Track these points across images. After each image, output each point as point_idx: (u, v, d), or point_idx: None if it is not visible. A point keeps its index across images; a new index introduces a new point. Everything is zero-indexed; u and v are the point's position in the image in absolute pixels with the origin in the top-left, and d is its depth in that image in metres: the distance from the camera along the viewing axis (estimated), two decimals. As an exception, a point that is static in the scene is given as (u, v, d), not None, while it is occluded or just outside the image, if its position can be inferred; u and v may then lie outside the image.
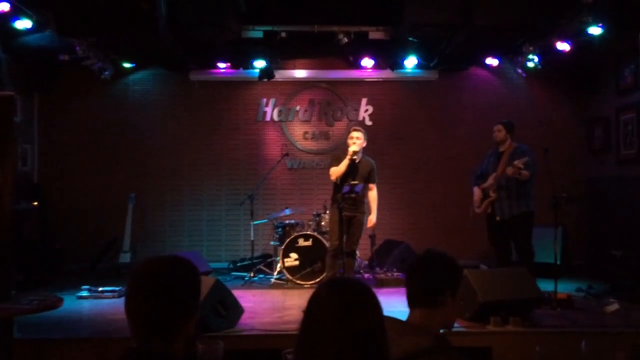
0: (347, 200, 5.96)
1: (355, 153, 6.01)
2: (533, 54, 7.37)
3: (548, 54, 7.37)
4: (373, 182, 6.26)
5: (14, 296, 4.17)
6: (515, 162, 5.73)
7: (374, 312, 1.53)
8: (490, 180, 6.12)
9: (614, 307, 5.36)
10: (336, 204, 6.01)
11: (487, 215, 6.24)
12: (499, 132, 6.19)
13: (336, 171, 6.08)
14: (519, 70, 8.05)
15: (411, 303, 2.11)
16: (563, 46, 6.93)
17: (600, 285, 6.50)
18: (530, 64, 7.50)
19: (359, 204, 6.14)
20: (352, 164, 6.06)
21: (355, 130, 6.18)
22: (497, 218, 6.06)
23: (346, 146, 6.16)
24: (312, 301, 1.55)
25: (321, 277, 6.64)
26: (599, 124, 8.12)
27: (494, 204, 6.10)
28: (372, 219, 6.30)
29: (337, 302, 1.49)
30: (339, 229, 5.90)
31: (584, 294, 6.20)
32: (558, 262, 5.90)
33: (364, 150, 6.25)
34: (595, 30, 6.19)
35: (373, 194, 6.28)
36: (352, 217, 6.07)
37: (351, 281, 1.59)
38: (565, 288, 6.03)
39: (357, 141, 6.04)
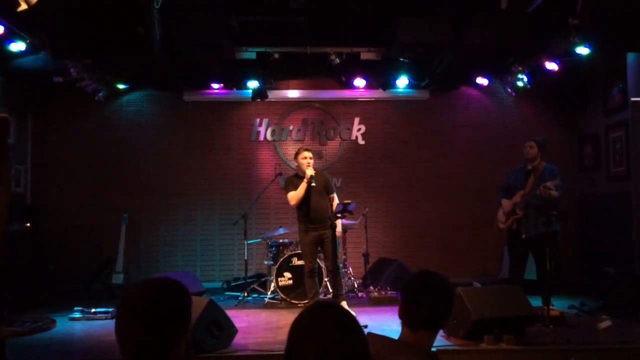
0: (312, 220, 6.00)
1: (312, 177, 5.94)
2: (522, 74, 7.49)
3: (537, 74, 7.49)
4: (332, 193, 6.19)
5: (6, 318, 4.15)
6: (547, 184, 5.75)
7: (357, 339, 1.51)
8: (517, 198, 6.11)
9: (606, 324, 5.38)
10: (302, 225, 6.08)
11: (510, 231, 6.22)
12: (531, 148, 6.14)
13: (296, 195, 6.00)
14: (509, 90, 8.16)
15: (413, 324, 2.06)
16: (552, 66, 7.02)
17: (593, 302, 6.52)
18: (520, 84, 7.61)
19: (324, 220, 6.03)
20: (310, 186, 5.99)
21: (306, 150, 6.16)
22: (523, 236, 6.04)
23: (318, 167, 6.12)
24: (294, 329, 1.52)
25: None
26: (588, 142, 8.22)
27: (519, 222, 6.08)
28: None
29: (322, 330, 1.47)
30: (311, 250, 6.03)
31: (577, 311, 6.23)
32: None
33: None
34: (583, 51, 6.29)
35: (335, 201, 6.13)
36: (322, 236, 6.03)
37: (333, 308, 1.56)
38: (557, 305, 6.05)
39: (310, 161, 6.05)
